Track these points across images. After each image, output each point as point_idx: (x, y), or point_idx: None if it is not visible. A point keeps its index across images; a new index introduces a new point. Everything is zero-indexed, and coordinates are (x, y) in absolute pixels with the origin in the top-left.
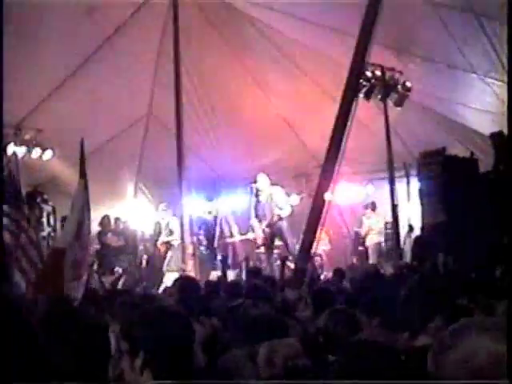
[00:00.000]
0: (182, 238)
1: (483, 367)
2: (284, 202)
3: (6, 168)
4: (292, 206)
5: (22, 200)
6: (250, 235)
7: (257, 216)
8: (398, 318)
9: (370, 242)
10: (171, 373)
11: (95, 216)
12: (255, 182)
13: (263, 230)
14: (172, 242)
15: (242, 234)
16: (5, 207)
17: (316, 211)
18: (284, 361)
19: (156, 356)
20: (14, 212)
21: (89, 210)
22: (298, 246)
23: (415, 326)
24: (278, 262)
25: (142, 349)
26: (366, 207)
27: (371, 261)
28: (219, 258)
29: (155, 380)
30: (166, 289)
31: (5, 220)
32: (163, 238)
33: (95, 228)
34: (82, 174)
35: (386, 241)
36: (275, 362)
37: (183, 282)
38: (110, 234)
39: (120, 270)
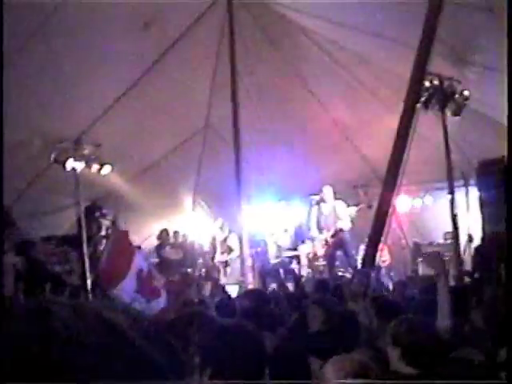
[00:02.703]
0: (241, 251)
1: None
2: (345, 215)
3: None
4: (350, 219)
5: None
6: (306, 248)
7: (319, 228)
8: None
9: None
10: None
11: (154, 229)
12: (318, 193)
13: (326, 242)
14: (230, 260)
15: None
16: None
17: (379, 224)
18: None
19: (223, 373)
20: None
21: None
22: (357, 258)
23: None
24: (339, 274)
25: (209, 365)
26: None
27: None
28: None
29: None
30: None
31: None
32: (220, 257)
33: (154, 241)
34: None
35: (445, 251)
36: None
37: (255, 294)
38: (168, 248)
39: None
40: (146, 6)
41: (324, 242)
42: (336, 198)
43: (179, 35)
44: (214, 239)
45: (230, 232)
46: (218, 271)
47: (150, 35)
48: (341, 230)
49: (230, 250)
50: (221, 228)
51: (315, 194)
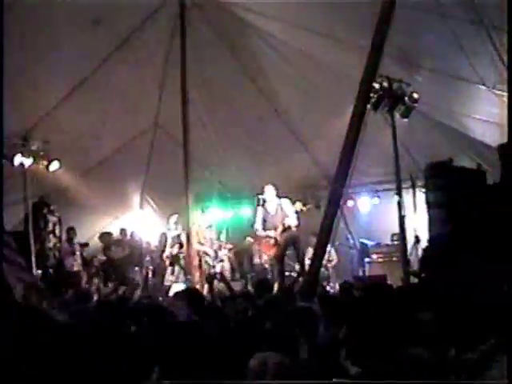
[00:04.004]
0: (188, 250)
1: None
2: (292, 212)
3: None
4: (297, 213)
5: None
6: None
7: (265, 228)
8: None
9: None
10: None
11: (102, 226)
12: (262, 193)
13: (276, 241)
14: (181, 255)
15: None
16: None
17: (327, 225)
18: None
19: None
20: None
21: None
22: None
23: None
24: (287, 273)
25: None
26: None
27: None
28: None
29: None
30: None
31: None
32: (171, 250)
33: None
34: None
35: (392, 252)
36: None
37: (190, 294)
38: (113, 248)
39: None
40: (96, 4)
41: (274, 242)
42: (282, 197)
43: (129, 34)
44: (164, 234)
45: (182, 229)
46: (165, 268)
47: (99, 33)
48: (289, 227)
49: (181, 247)
50: (175, 223)
51: (261, 194)
